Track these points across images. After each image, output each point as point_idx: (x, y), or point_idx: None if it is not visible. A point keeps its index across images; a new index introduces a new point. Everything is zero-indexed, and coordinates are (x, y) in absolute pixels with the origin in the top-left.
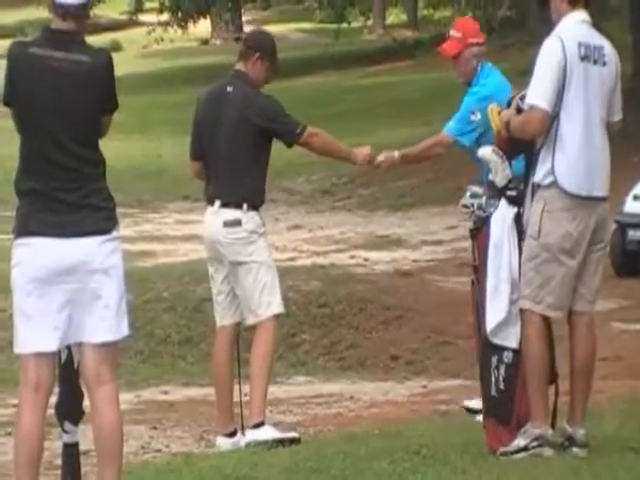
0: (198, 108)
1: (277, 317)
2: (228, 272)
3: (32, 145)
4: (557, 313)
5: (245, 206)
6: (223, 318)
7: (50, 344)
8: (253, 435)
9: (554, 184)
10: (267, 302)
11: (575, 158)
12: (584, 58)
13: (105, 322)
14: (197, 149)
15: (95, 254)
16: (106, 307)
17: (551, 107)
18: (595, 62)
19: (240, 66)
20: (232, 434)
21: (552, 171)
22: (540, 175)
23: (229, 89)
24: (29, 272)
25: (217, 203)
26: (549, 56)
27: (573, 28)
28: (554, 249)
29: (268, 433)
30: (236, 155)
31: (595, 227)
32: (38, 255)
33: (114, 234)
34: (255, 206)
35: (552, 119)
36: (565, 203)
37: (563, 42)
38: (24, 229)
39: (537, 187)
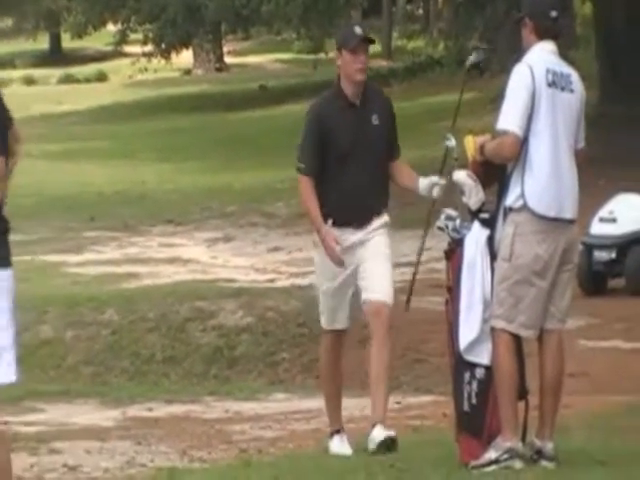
0: None
1: (325, 332)
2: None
3: None
4: (529, 332)
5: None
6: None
7: None
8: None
9: (524, 207)
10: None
11: (544, 181)
12: (552, 84)
13: None
14: None
15: None
16: None
17: (522, 132)
18: (562, 89)
19: None
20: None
21: (522, 194)
22: (511, 199)
23: None
24: None
25: None
26: (518, 82)
27: (541, 56)
28: (525, 271)
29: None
30: None
31: (564, 248)
32: None
33: None
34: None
35: (522, 143)
36: (535, 226)
37: (532, 68)
38: None
39: (508, 210)
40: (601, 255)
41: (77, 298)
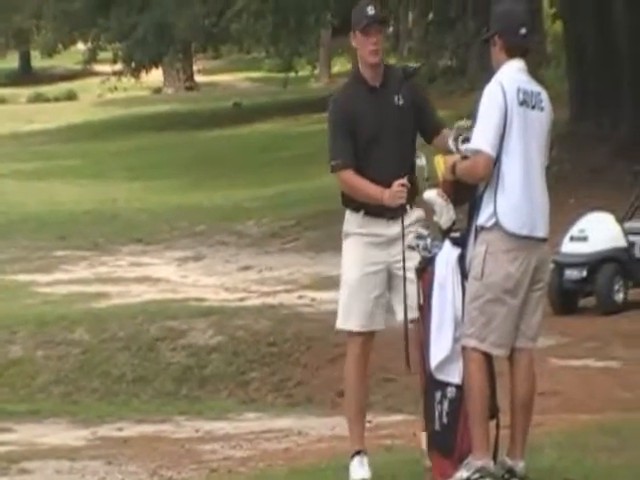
0: None
1: (351, 334)
2: None
3: None
4: (500, 350)
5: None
6: None
7: None
8: None
9: (496, 225)
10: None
11: (516, 200)
12: (523, 103)
13: None
14: None
15: None
16: None
17: (495, 151)
18: (533, 107)
19: None
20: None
21: (495, 213)
22: (483, 217)
23: None
24: None
25: None
26: (491, 101)
27: (512, 74)
28: (497, 289)
29: None
30: None
31: (535, 267)
32: None
33: None
34: (350, 208)
35: (494, 163)
36: (507, 245)
37: (503, 87)
38: None
39: (480, 229)
40: (572, 274)
41: (47, 317)
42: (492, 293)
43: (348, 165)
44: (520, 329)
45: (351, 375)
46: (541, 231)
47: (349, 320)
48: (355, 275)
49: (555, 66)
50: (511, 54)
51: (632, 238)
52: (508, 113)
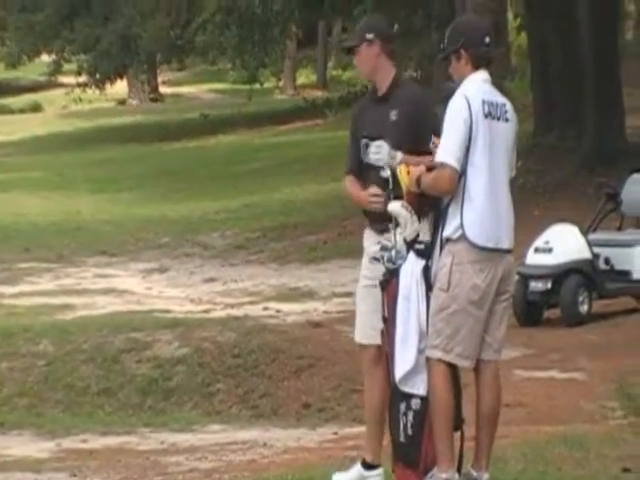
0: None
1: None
2: None
3: None
4: (466, 362)
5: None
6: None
7: None
8: None
9: (462, 237)
10: None
11: (482, 212)
12: (488, 115)
13: None
14: None
15: None
16: None
17: (459, 164)
18: (499, 119)
19: None
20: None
21: (461, 225)
22: (449, 230)
23: None
24: None
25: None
26: (456, 114)
27: (477, 87)
28: (463, 301)
29: None
30: None
31: (501, 277)
32: None
33: None
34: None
35: (459, 175)
36: (473, 256)
37: (469, 100)
38: None
39: (446, 241)
40: (537, 285)
41: (12, 329)
42: (458, 304)
43: (348, 171)
44: (486, 341)
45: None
46: (506, 243)
47: (355, 331)
48: (358, 288)
49: (520, 78)
50: (476, 65)
51: (597, 250)
52: (473, 126)
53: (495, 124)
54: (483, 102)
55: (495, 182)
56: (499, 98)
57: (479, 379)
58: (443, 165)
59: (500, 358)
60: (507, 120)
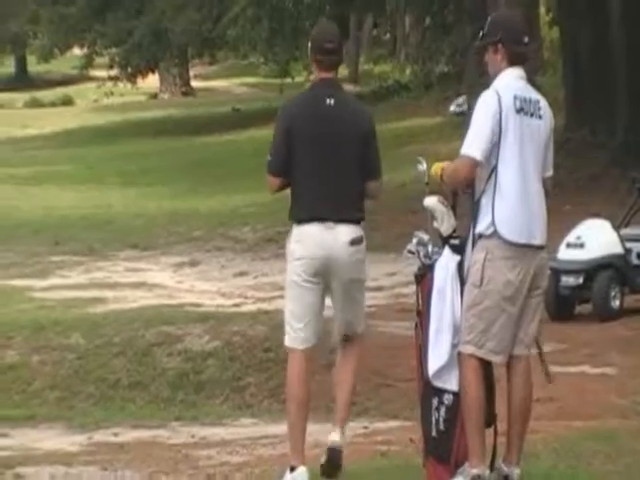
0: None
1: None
2: (335, 289)
3: None
4: (499, 357)
5: (362, 223)
6: (305, 341)
7: None
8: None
9: (495, 234)
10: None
11: (514, 208)
12: (520, 111)
13: None
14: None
15: None
16: None
17: (483, 156)
18: (532, 115)
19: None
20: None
21: (493, 222)
22: (482, 226)
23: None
24: None
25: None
26: (485, 107)
27: (510, 82)
28: (496, 297)
29: None
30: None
31: (534, 274)
32: None
33: None
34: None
35: (490, 170)
36: (506, 252)
37: (499, 94)
38: None
39: (478, 237)
40: (568, 280)
41: (43, 323)
42: (491, 300)
43: None
44: (518, 336)
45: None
46: (539, 239)
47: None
48: None
49: (552, 73)
50: (513, 62)
51: (629, 245)
52: (503, 121)
53: (528, 120)
54: (515, 97)
55: (527, 178)
56: (533, 94)
57: (510, 374)
58: (462, 155)
59: (531, 354)
60: (540, 117)
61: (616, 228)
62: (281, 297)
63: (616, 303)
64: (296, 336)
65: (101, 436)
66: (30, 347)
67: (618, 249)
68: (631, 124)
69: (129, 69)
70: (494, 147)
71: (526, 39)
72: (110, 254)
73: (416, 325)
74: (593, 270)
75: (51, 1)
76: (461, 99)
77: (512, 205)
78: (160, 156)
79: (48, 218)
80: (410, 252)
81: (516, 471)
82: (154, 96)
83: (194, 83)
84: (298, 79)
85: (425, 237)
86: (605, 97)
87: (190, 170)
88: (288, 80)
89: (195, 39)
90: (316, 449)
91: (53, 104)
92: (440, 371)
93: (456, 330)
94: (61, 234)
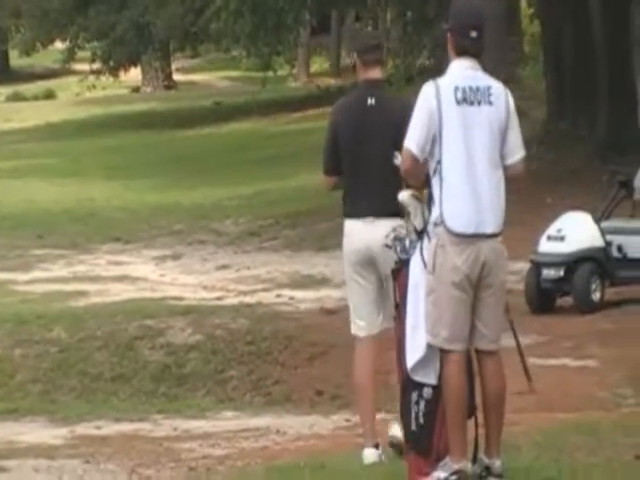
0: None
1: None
2: (379, 283)
3: None
4: (453, 345)
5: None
6: (362, 329)
7: None
8: None
9: (443, 224)
10: None
11: (460, 199)
12: (462, 101)
13: None
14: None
15: None
16: None
17: (419, 149)
18: (479, 103)
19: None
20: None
21: (441, 214)
22: (433, 216)
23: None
24: None
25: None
26: (421, 101)
27: (454, 72)
28: (446, 283)
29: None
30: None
31: (484, 261)
32: None
33: None
34: None
35: (436, 164)
36: (453, 239)
37: (438, 88)
38: None
39: (433, 226)
40: (549, 273)
41: (25, 316)
42: (442, 287)
43: None
44: (481, 331)
45: None
46: (490, 227)
47: None
48: None
49: (532, 66)
50: (459, 53)
51: (609, 237)
52: (443, 114)
53: (473, 109)
54: (456, 89)
55: (475, 169)
56: (482, 82)
57: (481, 369)
58: (404, 149)
59: (500, 348)
60: (491, 103)
61: (597, 221)
62: (263, 290)
63: (597, 296)
64: (355, 325)
65: (84, 429)
66: (12, 340)
67: (599, 242)
68: (612, 117)
69: (111, 63)
70: (435, 140)
71: (474, 33)
72: (92, 247)
73: (394, 318)
74: (574, 263)
75: None
76: (400, 231)
77: (458, 195)
78: (142, 150)
79: (30, 211)
80: (387, 246)
81: (497, 462)
82: (136, 90)
83: (176, 76)
84: (280, 73)
85: (402, 232)
86: (586, 90)
87: (172, 163)
88: (270, 74)
89: (177, 33)
90: (299, 441)
91: (35, 97)
92: (418, 365)
93: None
94: (44, 227)
